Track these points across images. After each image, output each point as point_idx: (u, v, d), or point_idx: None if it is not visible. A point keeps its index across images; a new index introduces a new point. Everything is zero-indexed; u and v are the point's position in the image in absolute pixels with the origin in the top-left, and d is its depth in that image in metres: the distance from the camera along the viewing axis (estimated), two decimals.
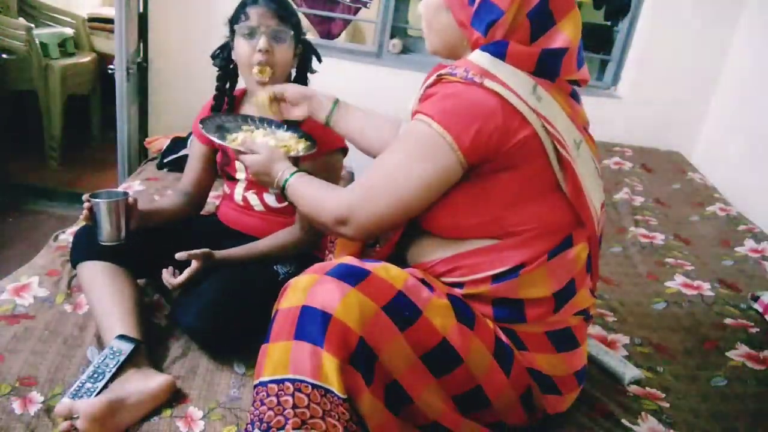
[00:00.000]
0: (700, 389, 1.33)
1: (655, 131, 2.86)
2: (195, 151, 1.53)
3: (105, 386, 1.07)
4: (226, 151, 1.50)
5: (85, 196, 1.25)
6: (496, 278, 0.99)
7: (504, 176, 0.96)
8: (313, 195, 1.06)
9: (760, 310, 1.61)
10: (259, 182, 1.19)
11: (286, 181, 1.10)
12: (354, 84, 2.93)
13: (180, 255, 1.26)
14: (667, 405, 1.26)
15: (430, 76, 1.03)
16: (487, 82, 0.93)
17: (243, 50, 1.36)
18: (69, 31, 3.30)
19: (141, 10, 2.57)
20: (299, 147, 1.27)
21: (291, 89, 1.28)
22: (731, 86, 2.71)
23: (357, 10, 3.92)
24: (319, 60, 1.51)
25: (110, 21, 2.91)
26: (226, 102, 1.48)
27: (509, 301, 1.00)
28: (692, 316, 1.60)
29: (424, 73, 3.41)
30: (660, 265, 1.89)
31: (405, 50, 2.92)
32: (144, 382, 1.09)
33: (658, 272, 1.84)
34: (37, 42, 2.95)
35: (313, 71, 1.51)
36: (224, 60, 1.45)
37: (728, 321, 1.57)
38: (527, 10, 0.96)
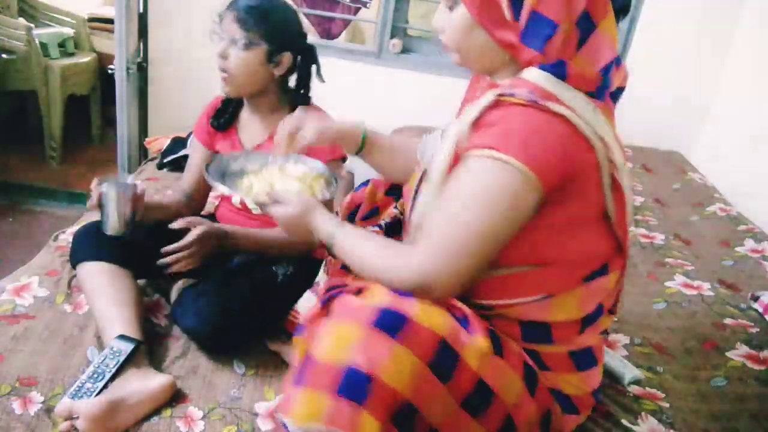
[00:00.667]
0: (700, 389, 1.33)
1: (655, 131, 2.86)
2: (195, 152, 1.53)
3: (105, 386, 1.07)
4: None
5: (94, 182, 1.24)
6: (527, 302, 0.95)
7: (559, 208, 0.89)
8: (374, 258, 0.95)
9: (760, 310, 1.61)
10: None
11: (330, 234, 1.00)
12: (354, 84, 2.93)
13: (177, 223, 1.26)
14: (667, 405, 1.26)
15: (477, 92, 0.93)
16: (554, 106, 0.85)
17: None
18: (69, 31, 3.30)
19: (141, 10, 2.57)
20: (321, 186, 1.17)
21: (312, 136, 1.14)
22: (731, 86, 2.70)
23: (357, 10, 3.91)
24: (318, 70, 1.44)
25: (110, 21, 2.91)
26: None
27: (537, 323, 0.96)
28: (692, 316, 1.59)
29: (425, 73, 3.39)
30: (660, 265, 1.89)
31: (405, 50, 2.92)
32: (144, 382, 1.09)
33: (658, 272, 1.84)
34: (37, 42, 2.95)
35: (321, 80, 1.45)
36: None
37: (728, 321, 1.57)
38: (575, 18, 0.87)
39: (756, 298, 1.64)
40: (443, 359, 0.83)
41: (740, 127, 2.60)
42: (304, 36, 1.43)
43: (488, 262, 0.90)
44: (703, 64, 2.76)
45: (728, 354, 1.44)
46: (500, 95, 0.87)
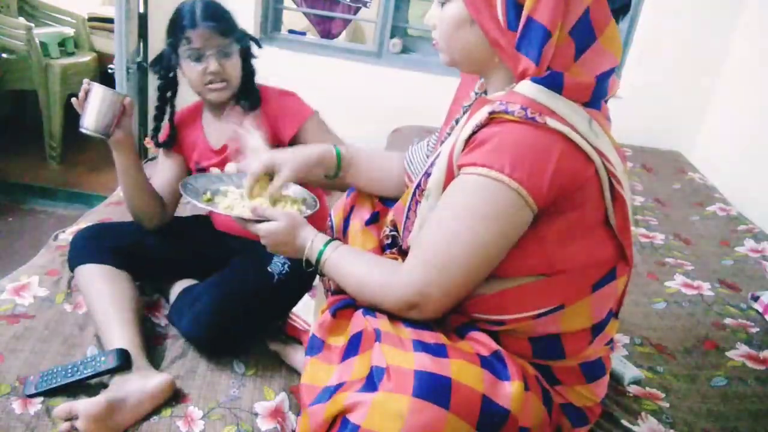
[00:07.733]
0: (700, 389, 1.33)
1: (655, 131, 2.86)
2: (165, 161, 1.49)
3: (63, 387, 1.09)
4: (204, 171, 1.47)
5: (85, 80, 1.24)
6: (539, 315, 0.93)
7: (559, 218, 0.87)
8: (366, 278, 0.94)
9: (760, 310, 1.61)
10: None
11: (320, 253, 0.99)
12: (354, 84, 2.93)
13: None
14: (667, 405, 1.26)
15: (474, 112, 0.89)
16: (550, 122, 0.82)
17: (193, 74, 1.34)
18: (69, 30, 3.30)
19: (141, 10, 2.57)
20: (303, 207, 1.13)
21: (288, 175, 1.10)
22: (731, 86, 2.71)
23: (357, 9, 3.91)
24: (259, 45, 1.45)
25: (110, 21, 2.91)
26: (169, 114, 1.45)
27: (547, 337, 0.95)
28: (692, 316, 1.60)
29: (425, 73, 3.38)
30: (660, 265, 1.89)
31: (405, 50, 2.92)
32: (143, 382, 1.09)
33: (658, 272, 1.84)
34: (37, 42, 2.95)
35: (254, 56, 1.44)
36: (164, 69, 1.39)
37: (728, 321, 1.57)
38: (569, 29, 0.85)
39: (756, 298, 1.65)
40: (488, 417, 0.81)
41: (740, 127, 2.61)
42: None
43: (479, 280, 0.89)
44: (703, 64, 2.76)
45: (728, 354, 1.44)
46: (493, 113, 0.84)
